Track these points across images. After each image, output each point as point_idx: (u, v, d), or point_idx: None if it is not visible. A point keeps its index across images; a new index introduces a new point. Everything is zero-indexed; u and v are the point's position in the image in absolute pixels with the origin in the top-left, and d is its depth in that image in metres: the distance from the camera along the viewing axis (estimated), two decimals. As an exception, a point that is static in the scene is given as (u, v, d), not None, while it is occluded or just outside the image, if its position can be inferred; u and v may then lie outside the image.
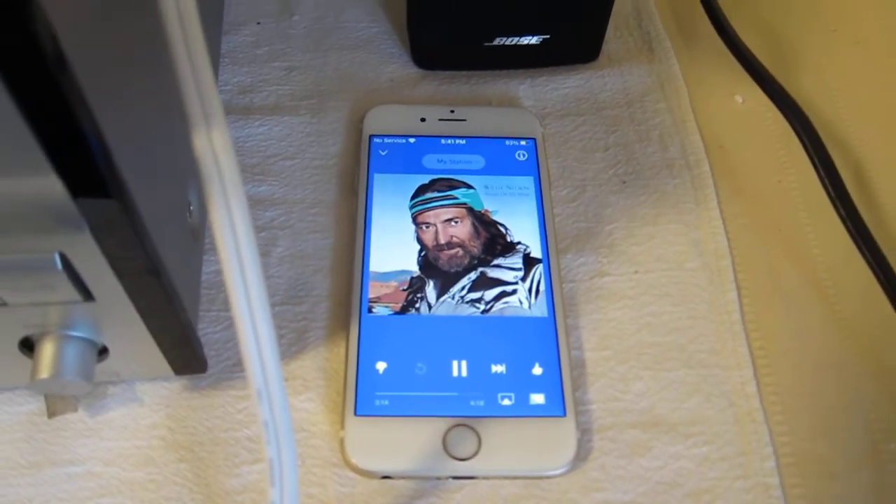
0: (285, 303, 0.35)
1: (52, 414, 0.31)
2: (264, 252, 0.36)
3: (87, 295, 0.25)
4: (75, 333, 0.28)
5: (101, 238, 0.23)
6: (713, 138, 0.41)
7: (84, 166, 0.20)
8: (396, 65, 0.44)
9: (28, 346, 0.28)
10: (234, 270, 0.21)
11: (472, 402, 0.32)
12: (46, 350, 0.27)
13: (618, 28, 0.45)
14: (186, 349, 0.30)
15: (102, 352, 0.29)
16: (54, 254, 0.23)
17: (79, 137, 0.19)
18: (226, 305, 0.35)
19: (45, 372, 0.27)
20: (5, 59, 0.17)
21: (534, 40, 0.42)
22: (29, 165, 0.20)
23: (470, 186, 0.38)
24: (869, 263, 0.33)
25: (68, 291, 0.24)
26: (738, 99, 0.43)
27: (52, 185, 0.21)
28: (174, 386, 0.32)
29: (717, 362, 0.34)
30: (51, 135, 0.19)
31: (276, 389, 0.22)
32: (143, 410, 0.32)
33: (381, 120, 0.40)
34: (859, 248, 0.33)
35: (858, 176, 0.40)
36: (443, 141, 0.40)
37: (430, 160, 0.39)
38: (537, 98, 0.43)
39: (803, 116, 0.37)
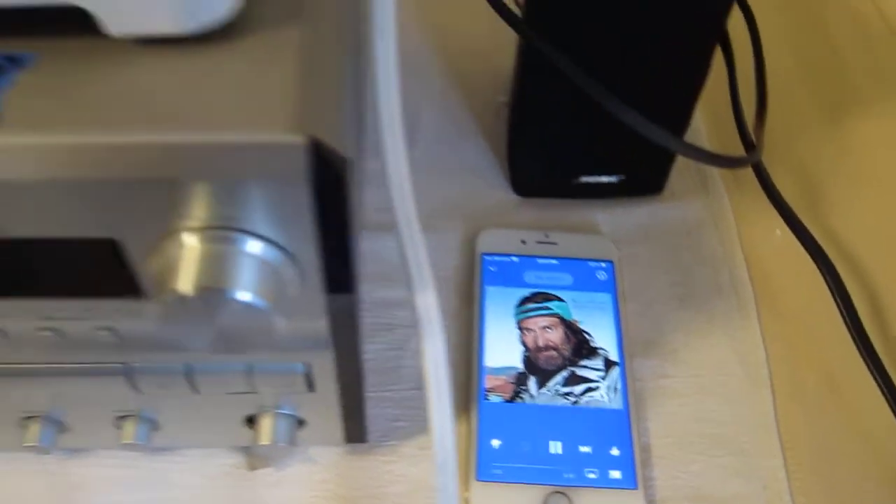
0: (418, 388, 0.45)
1: (252, 468, 0.41)
2: (399, 346, 0.47)
3: (312, 388, 0.35)
4: (285, 412, 0.38)
5: (336, 333, 0.33)
6: (756, 265, 0.51)
7: (343, 273, 0.30)
8: (500, 191, 0.54)
9: (250, 420, 0.39)
10: (436, 388, 0.31)
11: (565, 475, 0.42)
12: (266, 424, 0.38)
13: (679, 169, 0.55)
14: (358, 424, 0.40)
15: (300, 423, 0.39)
16: (300, 364, 0.34)
17: (346, 259, 0.29)
18: (374, 388, 0.45)
19: (265, 440, 0.38)
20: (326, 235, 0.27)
21: (612, 179, 0.53)
22: (306, 310, 0.30)
23: (561, 300, 0.48)
24: (877, 382, 0.43)
25: (301, 387, 0.35)
26: (778, 232, 0.53)
27: (314, 322, 0.31)
28: (339, 450, 0.43)
29: (754, 452, 0.44)
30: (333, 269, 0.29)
31: (451, 468, 0.33)
32: (316, 468, 0.42)
33: (491, 241, 0.51)
34: (870, 370, 0.43)
35: (874, 305, 0.49)
36: (539, 261, 0.50)
37: (529, 276, 0.49)
38: (614, 225, 0.53)
39: (825, 256, 0.47)
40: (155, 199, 0.25)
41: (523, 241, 0.51)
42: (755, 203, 0.53)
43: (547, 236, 0.51)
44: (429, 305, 0.31)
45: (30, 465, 0.42)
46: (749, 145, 0.48)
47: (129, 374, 0.34)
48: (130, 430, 0.38)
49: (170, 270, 0.26)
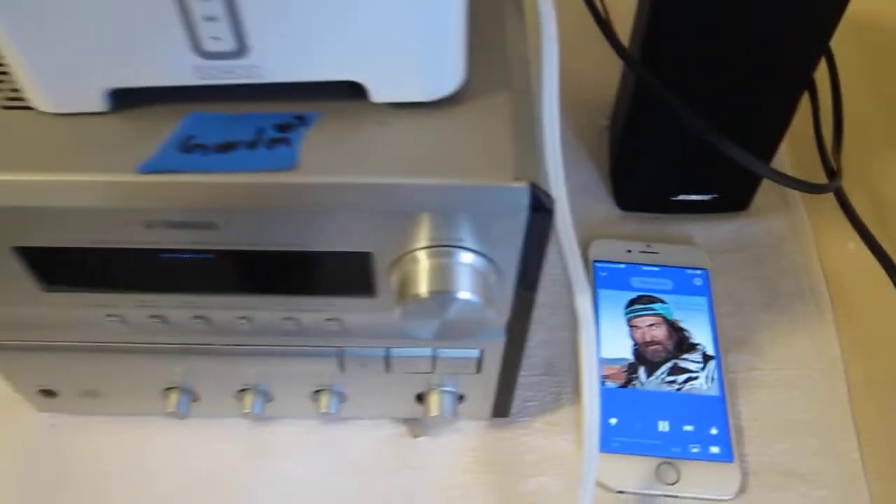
0: (545, 374, 0.54)
1: (414, 436, 0.50)
2: (528, 339, 0.55)
3: (479, 370, 0.44)
4: (449, 389, 0.47)
5: (513, 324, 0.41)
6: (832, 275, 0.59)
7: (533, 276, 0.38)
8: (605, 206, 0.63)
9: (419, 397, 0.47)
10: (588, 369, 0.40)
11: (672, 449, 0.50)
12: (434, 399, 0.47)
13: (763, 188, 0.63)
14: (506, 401, 0.49)
15: (460, 399, 0.48)
16: (476, 350, 0.42)
17: (538, 266, 0.37)
18: (508, 373, 0.53)
19: (434, 412, 0.46)
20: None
21: (705, 197, 0.61)
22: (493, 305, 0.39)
23: (664, 302, 0.56)
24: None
25: (472, 369, 0.44)
26: (850, 245, 0.60)
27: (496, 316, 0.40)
28: (482, 424, 0.51)
29: (832, 435, 0.52)
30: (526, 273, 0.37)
31: (595, 436, 0.41)
32: (465, 438, 0.51)
33: (601, 250, 0.59)
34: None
35: (936, 310, 0.57)
36: (643, 268, 0.58)
37: (636, 281, 0.57)
38: (707, 237, 0.61)
39: (893, 265, 0.55)
40: (403, 224, 0.34)
41: (629, 251, 0.59)
42: (830, 219, 0.61)
43: (649, 247, 0.59)
44: (586, 305, 0.40)
45: (231, 430, 0.51)
46: (830, 173, 0.56)
47: (340, 356, 0.43)
48: (325, 401, 0.47)
49: (408, 279, 0.35)
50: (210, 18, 0.30)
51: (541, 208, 0.33)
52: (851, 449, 0.51)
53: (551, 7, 0.39)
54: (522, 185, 0.32)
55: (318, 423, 0.51)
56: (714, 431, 0.51)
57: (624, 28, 0.56)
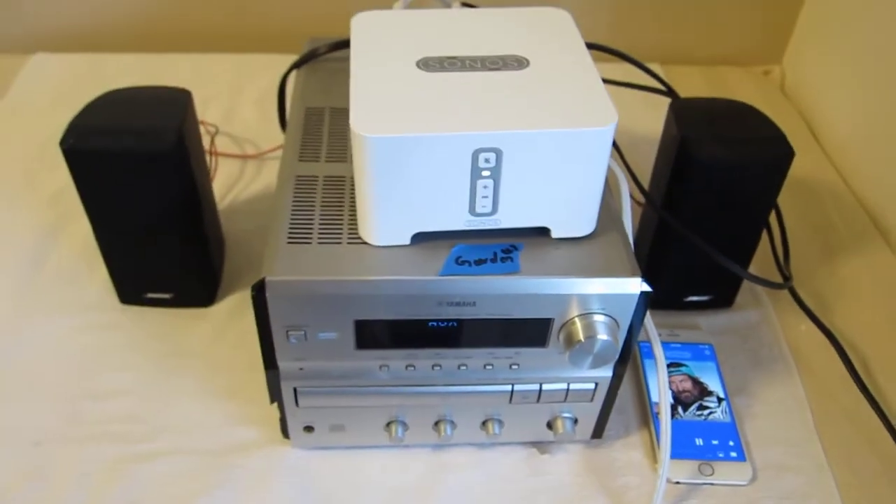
0: (616, 413, 0.81)
1: (542, 452, 0.77)
2: (602, 392, 0.83)
3: (591, 400, 0.72)
4: (568, 415, 0.74)
5: (619, 362, 0.70)
6: (793, 345, 0.89)
7: (638, 328, 0.67)
8: (638, 307, 0.92)
9: (548, 424, 0.75)
10: (665, 407, 0.68)
11: (707, 455, 0.78)
12: (560, 423, 0.74)
13: (742, 291, 0.93)
14: (602, 425, 0.76)
15: (575, 422, 0.75)
16: (593, 383, 0.71)
17: (641, 322, 0.66)
18: (593, 413, 0.81)
19: (560, 431, 0.74)
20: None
21: (706, 297, 0.91)
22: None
23: (687, 366, 0.85)
24: (870, 404, 0.80)
25: (588, 398, 0.72)
26: (802, 327, 0.91)
27: (617, 353, 0.68)
28: (580, 446, 0.78)
29: (805, 443, 0.80)
30: (634, 326, 0.66)
31: (667, 449, 0.69)
32: (571, 454, 0.78)
33: (641, 335, 0.88)
34: (868, 400, 0.80)
35: (866, 366, 0.87)
36: (671, 345, 0.88)
37: (668, 354, 0.87)
38: (708, 324, 0.91)
39: (836, 340, 0.85)
40: (572, 301, 0.63)
41: (660, 335, 0.88)
42: (788, 309, 0.92)
43: (672, 331, 0.89)
44: (661, 355, 0.69)
45: (414, 457, 0.77)
46: (785, 278, 0.87)
47: (511, 391, 0.70)
48: (491, 427, 0.74)
49: (573, 333, 0.63)
50: (485, 196, 0.60)
51: (645, 291, 0.62)
52: (818, 452, 0.79)
53: (626, 186, 0.70)
54: (637, 278, 0.62)
55: (472, 448, 0.78)
56: (731, 444, 0.79)
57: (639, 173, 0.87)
